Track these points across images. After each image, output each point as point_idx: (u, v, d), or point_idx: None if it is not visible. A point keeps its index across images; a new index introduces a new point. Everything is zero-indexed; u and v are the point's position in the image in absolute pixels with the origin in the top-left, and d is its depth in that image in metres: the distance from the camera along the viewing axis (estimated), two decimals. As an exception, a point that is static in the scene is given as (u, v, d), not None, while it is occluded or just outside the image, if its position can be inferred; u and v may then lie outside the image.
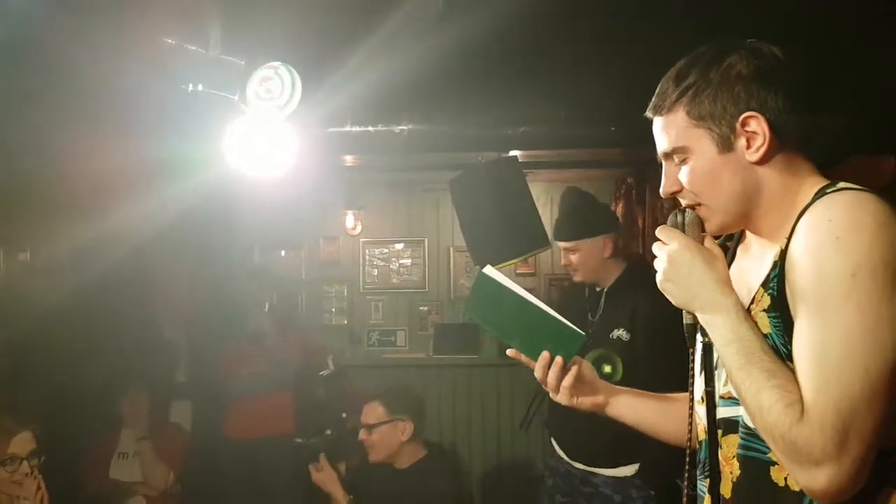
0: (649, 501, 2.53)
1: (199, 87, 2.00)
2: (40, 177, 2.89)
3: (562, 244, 2.60)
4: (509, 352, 1.31)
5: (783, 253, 1.01)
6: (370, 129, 2.76)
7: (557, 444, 2.68)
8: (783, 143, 1.05)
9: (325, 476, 2.44)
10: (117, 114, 2.27)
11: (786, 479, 1.01)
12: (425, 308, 4.72)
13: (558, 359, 1.26)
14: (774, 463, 1.02)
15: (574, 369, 1.27)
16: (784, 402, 0.93)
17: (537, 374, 1.29)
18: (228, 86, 2.06)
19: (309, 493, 3.02)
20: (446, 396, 4.58)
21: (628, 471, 2.53)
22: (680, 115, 1.08)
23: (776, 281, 1.01)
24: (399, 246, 4.76)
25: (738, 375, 1.00)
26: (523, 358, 1.30)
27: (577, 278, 2.60)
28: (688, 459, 1.16)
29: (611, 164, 3.88)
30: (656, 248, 1.13)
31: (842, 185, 1.02)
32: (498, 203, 2.85)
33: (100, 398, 3.15)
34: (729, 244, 1.21)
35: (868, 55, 1.94)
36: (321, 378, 2.52)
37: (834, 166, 1.13)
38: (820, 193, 1.02)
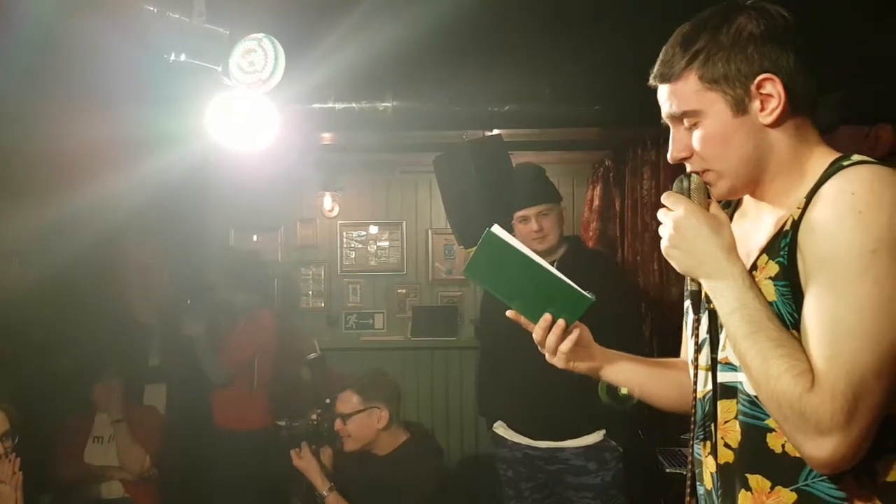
0: (621, 460, 2.59)
1: (182, 57, 1.93)
2: (6, 151, 2.78)
3: (535, 209, 2.59)
4: (509, 313, 1.29)
5: (796, 223, 1.00)
6: (354, 105, 2.72)
7: (512, 427, 2.67)
8: (794, 106, 1.05)
9: (306, 463, 2.42)
10: (92, 84, 2.19)
11: (783, 445, 1.02)
12: (403, 291, 4.69)
13: (560, 321, 1.24)
14: (772, 429, 1.03)
15: (575, 333, 1.26)
16: (794, 371, 0.94)
17: (536, 336, 1.28)
18: (212, 56, 2.00)
19: (287, 477, 3.01)
20: (424, 379, 4.57)
21: (596, 437, 2.58)
22: (692, 80, 1.07)
23: (787, 250, 1.01)
24: (377, 228, 4.72)
25: (743, 343, 1.00)
26: (522, 320, 1.29)
27: (544, 245, 2.58)
28: (692, 426, 1.17)
29: (591, 146, 3.89)
30: (661, 214, 1.13)
31: (856, 157, 1.01)
32: (483, 181, 2.84)
33: (73, 382, 3.07)
34: (727, 211, 1.21)
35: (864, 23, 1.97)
36: (306, 361, 2.48)
37: (826, 133, 1.13)
38: (836, 166, 1.01)
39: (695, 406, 1.16)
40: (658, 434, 3.19)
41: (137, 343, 3.43)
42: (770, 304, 1.01)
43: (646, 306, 3.56)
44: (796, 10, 1.08)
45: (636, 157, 3.66)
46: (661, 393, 1.34)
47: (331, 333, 4.59)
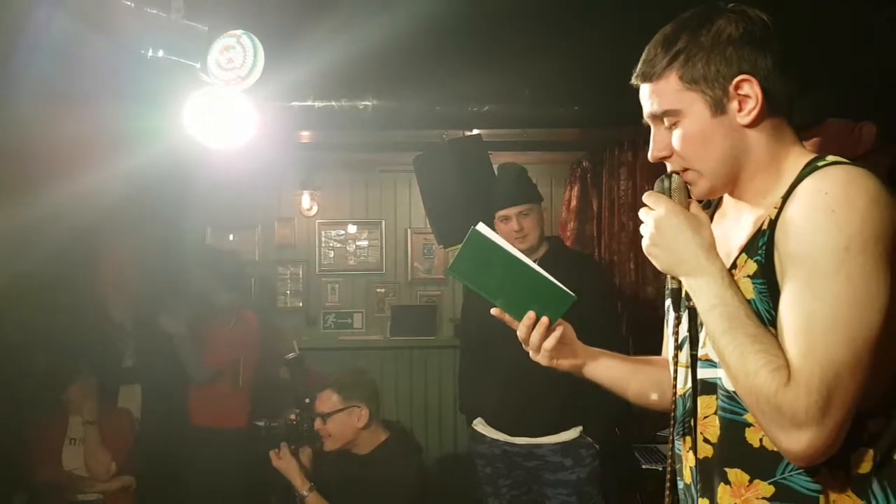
0: (597, 457, 2.62)
1: (160, 53, 1.91)
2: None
3: (517, 209, 2.61)
4: (493, 311, 1.31)
5: (773, 222, 1.02)
6: (333, 104, 2.72)
7: (491, 424, 2.69)
8: (771, 107, 1.07)
9: (285, 464, 2.40)
10: (68, 80, 2.15)
11: (761, 439, 1.04)
12: (382, 290, 4.68)
13: (544, 319, 1.26)
14: (751, 424, 1.05)
15: (558, 331, 1.28)
16: (770, 366, 0.96)
17: (520, 333, 1.29)
18: (191, 53, 1.97)
19: (266, 478, 2.98)
20: (403, 378, 4.57)
21: (573, 433, 2.61)
22: (672, 80, 1.09)
23: (764, 249, 1.03)
24: (356, 227, 4.70)
25: (722, 340, 1.01)
26: (507, 318, 1.30)
27: (525, 245, 2.59)
28: (672, 421, 1.19)
29: (569, 147, 3.92)
30: (643, 213, 1.14)
31: (831, 158, 1.04)
32: (463, 181, 2.85)
33: (47, 381, 3.02)
34: (707, 211, 1.23)
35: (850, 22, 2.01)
36: (285, 361, 2.46)
37: (809, 128, 1.16)
38: (811, 167, 1.04)
39: (675, 402, 1.17)
40: (634, 431, 3.23)
41: (112, 343, 3.38)
42: (748, 301, 1.03)
43: (622, 305, 3.60)
44: (788, 9, 1.10)
45: (613, 157, 3.70)
46: (641, 390, 1.36)
47: (309, 333, 4.57)
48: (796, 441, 0.94)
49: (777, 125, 1.09)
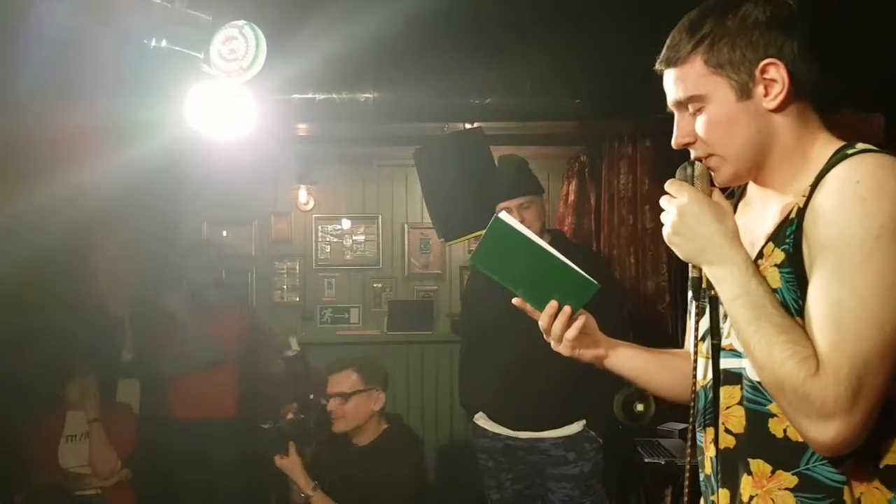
0: (600, 451, 2.61)
1: (163, 43, 1.88)
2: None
3: (518, 200, 2.58)
4: (515, 301, 1.28)
5: (801, 210, 1.01)
6: (334, 96, 2.69)
7: (493, 419, 2.68)
8: (797, 92, 1.06)
9: (290, 463, 2.37)
10: (68, 70, 2.12)
11: (785, 430, 1.03)
12: (379, 285, 4.67)
13: (566, 308, 1.24)
14: (774, 415, 1.04)
15: (580, 320, 1.26)
16: (798, 356, 0.95)
17: (542, 323, 1.27)
18: (194, 43, 1.95)
19: (259, 476, 2.97)
20: (400, 373, 4.55)
21: (577, 427, 2.60)
22: (697, 65, 1.07)
23: (792, 238, 1.02)
24: (353, 222, 4.68)
25: (747, 330, 1.00)
26: (528, 307, 1.28)
27: None
28: (691, 412, 1.18)
29: (567, 141, 3.92)
30: (665, 201, 1.13)
31: (860, 145, 1.03)
32: (464, 174, 2.84)
33: (43, 378, 2.99)
34: (731, 200, 1.22)
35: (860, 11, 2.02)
36: (284, 359, 2.42)
37: (823, 117, 1.14)
38: (840, 154, 1.02)
39: (695, 394, 1.16)
40: (636, 425, 3.23)
41: (109, 338, 3.36)
42: (775, 291, 1.02)
43: (621, 299, 3.59)
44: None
45: (613, 151, 3.69)
46: (664, 382, 1.34)
47: (306, 328, 4.55)
48: (824, 431, 0.94)
49: (803, 110, 1.08)
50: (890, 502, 0.98)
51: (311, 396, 2.42)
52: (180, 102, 2.35)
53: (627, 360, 1.34)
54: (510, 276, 1.27)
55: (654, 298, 3.57)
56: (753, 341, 1.00)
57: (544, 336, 1.29)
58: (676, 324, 3.50)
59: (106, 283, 3.41)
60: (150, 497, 3.13)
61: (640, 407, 2.25)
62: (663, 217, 1.13)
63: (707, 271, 1.10)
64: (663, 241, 3.61)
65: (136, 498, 3.06)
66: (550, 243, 2.83)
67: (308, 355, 3.84)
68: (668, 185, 1.13)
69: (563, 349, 1.28)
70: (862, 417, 0.93)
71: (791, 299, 1.02)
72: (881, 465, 0.99)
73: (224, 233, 4.58)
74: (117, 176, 2.77)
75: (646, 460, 2.94)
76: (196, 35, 1.95)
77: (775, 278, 1.03)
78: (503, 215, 1.24)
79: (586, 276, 1.23)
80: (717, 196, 1.13)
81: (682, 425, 3.21)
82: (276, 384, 3.59)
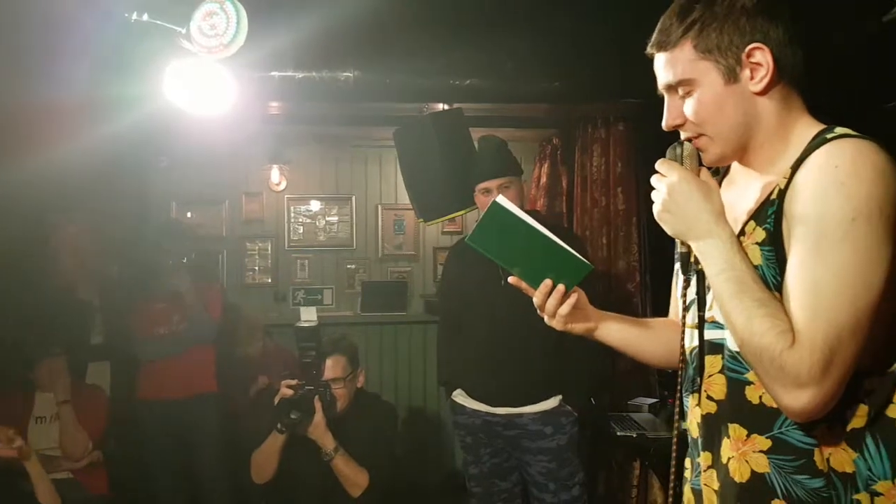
0: (576, 424, 2.69)
1: (144, 17, 1.85)
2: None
3: (497, 181, 2.60)
4: (511, 279, 1.35)
5: (782, 192, 1.06)
6: (314, 74, 2.67)
7: (471, 396, 2.74)
8: (782, 76, 1.11)
9: (318, 422, 2.39)
10: (42, 43, 2.07)
11: (760, 397, 1.10)
12: (353, 266, 4.66)
13: (560, 286, 1.31)
14: (751, 382, 1.10)
15: (573, 297, 1.32)
16: (776, 329, 1.00)
17: (537, 300, 1.33)
18: (175, 17, 1.92)
19: (237, 451, 2.97)
20: (373, 354, 4.58)
21: (553, 402, 2.66)
22: (686, 49, 1.12)
23: (773, 217, 1.07)
24: (326, 203, 4.66)
25: (730, 303, 1.06)
26: (523, 285, 1.35)
27: None
28: (680, 379, 1.24)
29: (541, 123, 3.95)
30: (655, 180, 1.18)
31: (840, 130, 1.08)
32: (444, 155, 2.85)
33: (11, 360, 2.93)
34: (715, 178, 1.27)
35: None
36: (296, 329, 2.40)
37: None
38: (820, 138, 1.07)
39: (683, 362, 1.22)
40: (607, 400, 3.32)
41: (78, 320, 3.30)
42: (756, 268, 1.08)
43: (594, 279, 3.67)
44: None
45: (586, 134, 3.74)
46: (649, 350, 1.41)
47: (278, 309, 4.53)
48: (797, 399, 1.00)
49: (786, 94, 1.13)
50: (855, 461, 1.05)
51: (315, 372, 2.43)
52: (157, 78, 2.32)
53: (616, 331, 1.40)
54: (506, 257, 1.34)
55: (625, 278, 3.65)
56: (735, 314, 1.05)
57: (538, 312, 1.35)
58: (646, 302, 3.60)
59: (74, 263, 3.34)
60: (123, 479, 3.11)
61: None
62: (653, 195, 1.17)
63: (694, 247, 1.15)
64: (634, 223, 3.74)
65: (108, 480, 3.04)
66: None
67: (280, 336, 3.85)
68: (659, 165, 1.17)
69: (556, 324, 1.34)
70: (832, 387, 0.99)
71: (771, 276, 1.07)
72: (848, 429, 1.06)
73: (189, 214, 4.51)
74: (86, 154, 2.71)
75: (618, 434, 3.03)
76: (178, 9, 1.91)
77: (756, 256, 1.09)
78: (501, 199, 1.31)
79: (580, 257, 1.30)
80: (705, 175, 1.18)
81: (652, 400, 3.32)
82: (243, 362, 3.61)
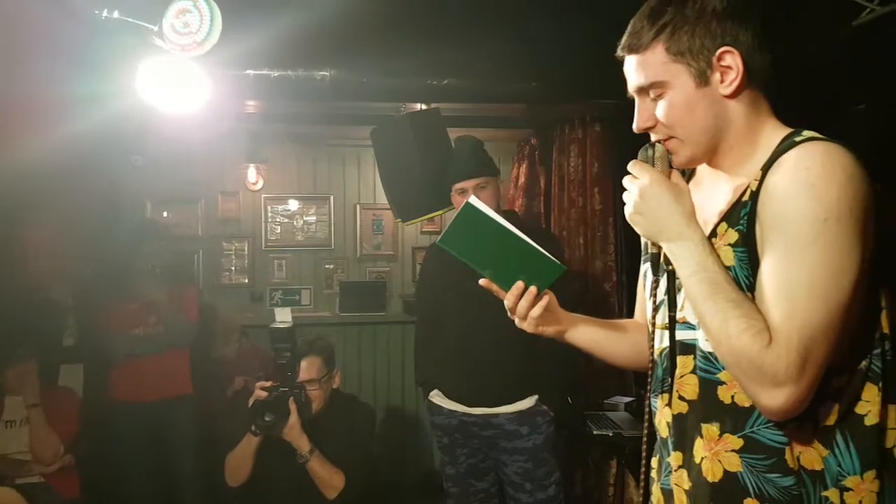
0: (552, 424, 2.70)
1: (115, 14, 1.82)
2: None
3: (474, 181, 2.60)
4: (482, 281, 1.34)
5: (754, 193, 1.07)
6: (290, 73, 2.66)
7: (448, 396, 2.74)
8: (751, 79, 1.12)
9: (293, 424, 2.37)
10: (10, 41, 2.03)
11: (732, 397, 1.10)
12: (331, 266, 4.64)
13: (532, 288, 1.30)
14: (723, 382, 1.11)
15: (545, 299, 1.31)
16: (752, 329, 1.01)
17: (508, 302, 1.33)
18: (147, 14, 1.89)
19: (213, 453, 2.94)
20: (352, 354, 4.56)
21: (529, 402, 2.67)
22: (658, 52, 1.12)
23: (746, 218, 1.08)
24: (304, 203, 4.63)
25: (704, 305, 1.06)
26: (494, 287, 1.34)
27: None
28: (649, 380, 1.24)
29: (519, 124, 3.96)
30: (627, 181, 1.18)
31: (807, 133, 1.09)
32: (421, 155, 2.84)
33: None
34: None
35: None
36: (271, 331, 2.39)
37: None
38: (789, 141, 1.09)
39: (653, 362, 1.23)
40: (583, 399, 3.34)
41: (51, 321, 3.25)
42: (728, 269, 1.08)
43: (570, 279, 3.68)
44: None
45: (563, 135, 3.75)
46: (618, 352, 1.41)
47: (254, 310, 4.49)
48: (774, 398, 1.01)
49: (755, 97, 1.14)
50: (825, 459, 1.07)
51: (290, 374, 2.41)
52: (130, 76, 2.29)
53: (586, 334, 1.40)
54: (478, 258, 1.32)
55: (602, 278, 3.67)
56: (709, 315, 1.06)
57: (509, 314, 1.34)
58: (622, 302, 3.62)
59: (46, 264, 3.29)
60: (96, 482, 3.06)
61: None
62: (625, 196, 1.18)
63: (665, 248, 1.15)
64: (611, 223, 3.75)
65: (80, 484, 2.99)
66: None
67: (257, 337, 3.82)
68: (631, 167, 1.18)
69: (527, 326, 1.34)
70: (808, 385, 1.00)
71: (743, 276, 1.08)
72: (819, 427, 1.07)
73: (164, 213, 4.45)
74: (59, 152, 2.67)
75: (594, 433, 3.05)
76: (150, 6, 1.89)
77: (729, 257, 1.09)
78: (473, 200, 1.29)
79: (553, 259, 1.29)
80: (676, 177, 1.18)
81: (628, 399, 3.34)
82: (220, 363, 3.58)
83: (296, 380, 2.41)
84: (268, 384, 2.39)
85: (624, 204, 1.19)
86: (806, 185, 1.01)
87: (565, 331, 1.38)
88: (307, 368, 2.47)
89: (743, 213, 1.08)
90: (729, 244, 1.10)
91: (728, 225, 1.11)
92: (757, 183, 1.08)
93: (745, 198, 1.09)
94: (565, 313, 1.39)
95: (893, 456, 1.09)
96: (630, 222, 1.18)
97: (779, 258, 1.02)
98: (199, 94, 2.37)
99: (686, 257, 1.10)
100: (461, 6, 2.70)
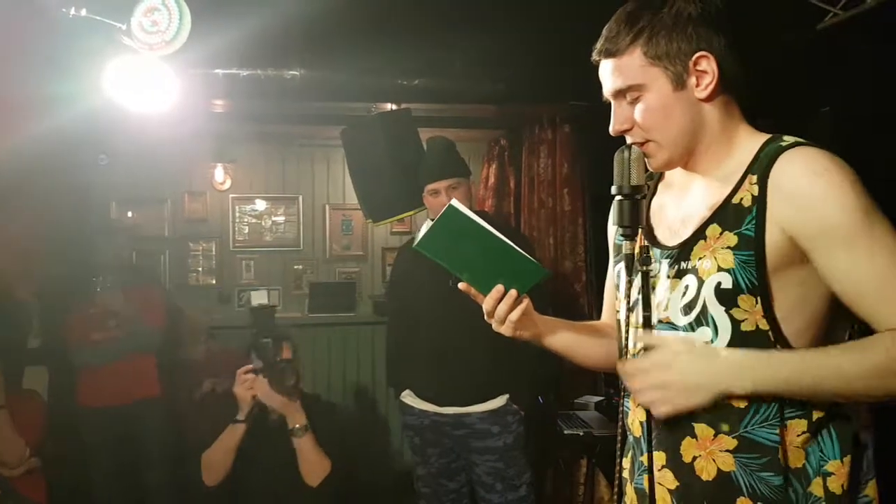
0: (522, 423, 2.72)
1: (82, 13, 1.79)
2: None
3: (446, 182, 2.61)
4: (461, 285, 1.32)
5: (757, 199, 1.09)
6: (259, 72, 2.64)
7: (419, 396, 2.75)
8: (725, 84, 1.15)
9: (288, 396, 2.33)
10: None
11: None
12: (300, 267, 4.61)
13: (512, 292, 1.27)
14: None
15: (524, 303, 1.29)
16: (868, 350, 1.03)
17: (487, 306, 1.30)
18: (115, 12, 1.86)
19: (182, 456, 2.91)
20: (322, 355, 4.54)
21: (500, 401, 2.68)
22: (636, 55, 1.14)
23: (754, 223, 1.09)
24: (272, 203, 4.59)
25: (823, 385, 1.05)
26: (472, 291, 1.32)
27: None
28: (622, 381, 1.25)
29: (489, 124, 3.98)
30: (636, 369, 1.15)
31: (790, 138, 1.13)
32: (392, 155, 2.84)
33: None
34: (650, 183, 1.30)
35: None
36: (251, 309, 2.37)
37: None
38: (774, 146, 1.11)
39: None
40: (554, 398, 3.37)
41: (15, 321, 3.17)
42: (726, 270, 1.09)
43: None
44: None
45: (533, 135, 3.78)
46: (591, 354, 1.41)
47: (223, 311, 4.44)
48: None
49: (728, 101, 1.17)
50: (807, 450, 1.10)
51: (278, 358, 2.40)
52: (97, 75, 2.25)
53: (562, 337, 1.40)
54: (456, 262, 1.29)
55: (572, 278, 3.71)
56: (830, 388, 1.05)
57: (486, 318, 1.32)
58: (592, 302, 3.67)
59: (10, 265, 3.20)
60: (63, 485, 3.00)
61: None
62: (641, 386, 1.14)
63: (742, 392, 1.10)
64: (580, 224, 3.77)
65: (46, 487, 2.93)
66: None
67: (225, 339, 3.78)
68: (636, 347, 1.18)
69: (505, 330, 1.31)
70: None
71: (745, 278, 1.09)
72: (811, 422, 1.10)
73: (129, 213, 4.38)
74: (25, 151, 2.61)
75: (565, 432, 3.08)
76: (118, 4, 1.85)
77: (728, 259, 1.10)
78: (455, 203, 1.26)
79: (535, 262, 1.28)
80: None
81: (598, 398, 3.38)
82: (189, 363, 3.54)
83: (279, 357, 2.39)
84: (250, 367, 2.37)
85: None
86: (833, 186, 1.05)
87: (542, 335, 1.37)
88: (286, 351, 2.45)
89: (749, 219, 1.10)
90: (728, 247, 1.10)
91: (723, 228, 1.12)
92: (757, 188, 1.10)
93: (746, 203, 1.10)
94: (541, 317, 1.38)
95: (859, 440, 1.13)
96: (671, 409, 1.11)
97: (852, 257, 1.05)
98: (168, 93, 2.34)
99: (768, 382, 1.07)
100: (431, 7, 2.70)
